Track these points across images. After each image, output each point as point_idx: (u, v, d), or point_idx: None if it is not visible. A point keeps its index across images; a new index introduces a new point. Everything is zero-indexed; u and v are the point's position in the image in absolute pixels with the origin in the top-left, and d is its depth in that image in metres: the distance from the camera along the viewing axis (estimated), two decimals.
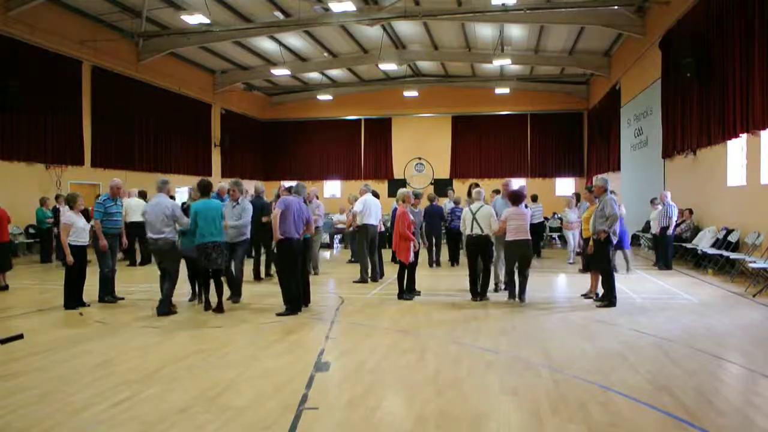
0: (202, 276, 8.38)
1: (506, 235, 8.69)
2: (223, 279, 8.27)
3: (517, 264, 8.72)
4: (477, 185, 10.04)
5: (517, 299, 8.65)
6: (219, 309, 8.00)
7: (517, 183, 11.22)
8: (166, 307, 7.90)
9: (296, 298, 7.90)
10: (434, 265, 13.37)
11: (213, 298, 8.18)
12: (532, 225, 15.16)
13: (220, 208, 8.14)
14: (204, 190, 8.20)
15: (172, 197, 14.85)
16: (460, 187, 23.61)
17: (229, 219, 8.96)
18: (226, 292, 8.47)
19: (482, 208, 8.88)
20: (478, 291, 8.88)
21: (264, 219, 10.44)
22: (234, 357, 5.78)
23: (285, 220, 7.74)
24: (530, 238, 8.87)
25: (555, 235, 20.63)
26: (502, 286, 9.55)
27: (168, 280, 8.02)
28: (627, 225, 12.24)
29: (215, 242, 7.96)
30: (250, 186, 26.39)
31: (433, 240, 13.45)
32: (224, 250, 8.13)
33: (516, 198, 8.85)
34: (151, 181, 18.71)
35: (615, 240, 8.44)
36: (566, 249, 14.50)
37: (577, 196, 13.83)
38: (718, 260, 11.49)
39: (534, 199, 15.86)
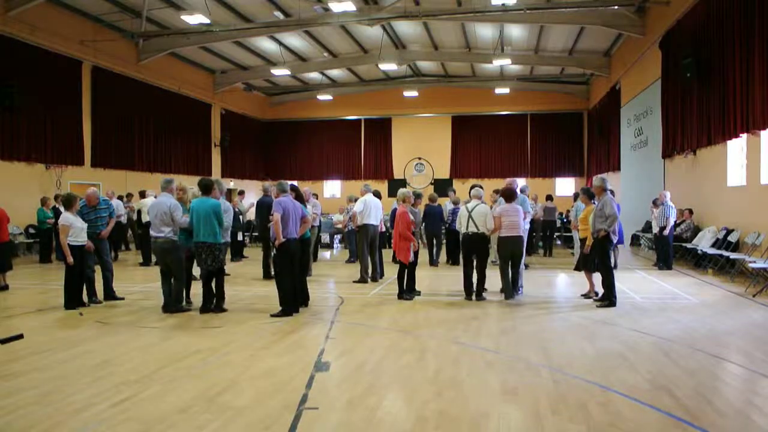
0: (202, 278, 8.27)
1: (500, 232, 8.81)
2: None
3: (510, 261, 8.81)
4: (480, 187, 10.03)
5: (511, 298, 8.70)
6: (210, 309, 7.98)
7: (518, 183, 11.21)
8: (172, 306, 7.98)
9: (292, 300, 7.85)
10: (434, 264, 13.42)
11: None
12: (546, 222, 15.76)
13: (213, 207, 7.93)
14: (204, 188, 8.12)
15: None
16: (460, 187, 23.60)
17: None
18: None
19: (478, 206, 8.89)
20: (473, 290, 8.89)
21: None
22: (234, 357, 5.77)
23: (285, 222, 7.77)
24: (522, 235, 8.96)
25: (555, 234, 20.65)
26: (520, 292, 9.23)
27: (174, 279, 8.07)
28: (625, 223, 12.33)
29: (204, 243, 7.83)
30: (248, 186, 26.31)
31: (434, 240, 13.61)
32: (215, 252, 7.89)
33: (509, 195, 9.00)
34: (151, 181, 18.82)
35: (615, 239, 8.49)
36: (567, 248, 14.54)
37: (575, 195, 13.87)
38: (718, 260, 11.49)
39: (549, 198, 16.94)
